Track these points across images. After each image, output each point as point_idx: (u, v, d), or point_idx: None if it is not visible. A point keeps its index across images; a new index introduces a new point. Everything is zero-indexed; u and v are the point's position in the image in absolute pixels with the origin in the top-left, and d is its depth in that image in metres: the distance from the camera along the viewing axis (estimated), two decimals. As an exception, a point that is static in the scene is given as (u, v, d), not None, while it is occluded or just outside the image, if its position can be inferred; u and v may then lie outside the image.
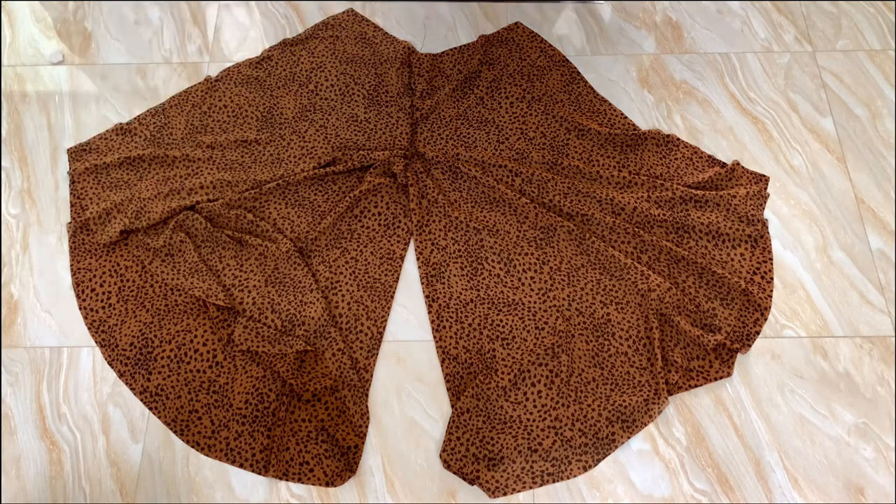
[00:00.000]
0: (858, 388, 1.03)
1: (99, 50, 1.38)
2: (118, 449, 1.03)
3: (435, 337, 1.08)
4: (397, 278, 1.13)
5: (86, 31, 1.40)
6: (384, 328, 1.10)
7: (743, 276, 1.08)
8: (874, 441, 1.00)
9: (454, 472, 0.98)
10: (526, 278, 1.11)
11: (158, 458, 1.02)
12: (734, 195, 1.14)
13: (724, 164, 1.20)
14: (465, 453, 0.99)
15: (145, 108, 1.30)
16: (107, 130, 1.26)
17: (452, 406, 1.03)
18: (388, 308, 1.11)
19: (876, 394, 1.03)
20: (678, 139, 1.22)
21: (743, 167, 1.19)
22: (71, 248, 1.16)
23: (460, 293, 1.10)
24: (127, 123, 1.27)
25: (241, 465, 1.00)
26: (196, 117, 1.27)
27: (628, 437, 1.00)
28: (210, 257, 1.13)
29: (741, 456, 1.00)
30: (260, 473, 1.00)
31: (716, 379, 1.03)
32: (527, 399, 1.02)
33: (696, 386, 1.03)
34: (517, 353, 1.05)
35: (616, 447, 1.00)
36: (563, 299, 1.09)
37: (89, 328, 1.10)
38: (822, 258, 1.13)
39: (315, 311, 1.07)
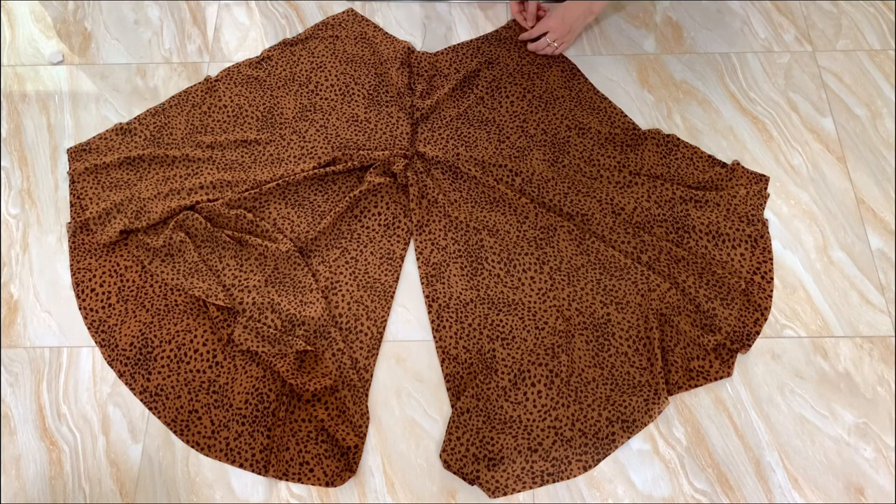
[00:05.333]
0: (858, 388, 1.03)
1: (99, 50, 1.38)
2: (118, 449, 1.03)
3: (435, 337, 1.08)
4: (397, 278, 1.13)
5: (85, 30, 1.40)
6: (384, 328, 1.10)
7: (743, 276, 1.08)
8: (874, 441, 1.00)
9: (454, 472, 0.98)
10: (526, 278, 1.11)
11: (158, 458, 1.02)
12: (734, 195, 1.14)
13: (724, 164, 1.20)
14: (465, 453, 0.99)
15: (145, 108, 1.30)
16: (107, 130, 1.26)
17: (452, 406, 1.03)
18: (388, 308, 1.11)
19: (876, 394, 1.03)
20: (678, 139, 1.22)
21: (743, 167, 1.19)
22: (71, 248, 1.16)
23: (460, 293, 1.10)
24: (127, 123, 1.27)
25: (241, 465, 1.00)
26: (196, 117, 1.27)
27: (628, 438, 1.00)
28: (210, 257, 1.13)
29: (741, 456, 1.00)
30: (260, 473, 1.00)
31: (716, 379, 1.03)
32: (527, 399, 1.02)
33: (696, 386, 1.03)
34: (517, 353, 1.05)
35: (616, 447, 1.00)
36: (563, 299, 1.09)
37: (89, 328, 1.10)
38: (822, 258, 1.13)
39: (315, 311, 1.07)
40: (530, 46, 1.31)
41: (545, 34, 1.28)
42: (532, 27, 1.32)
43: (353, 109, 1.28)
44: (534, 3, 1.31)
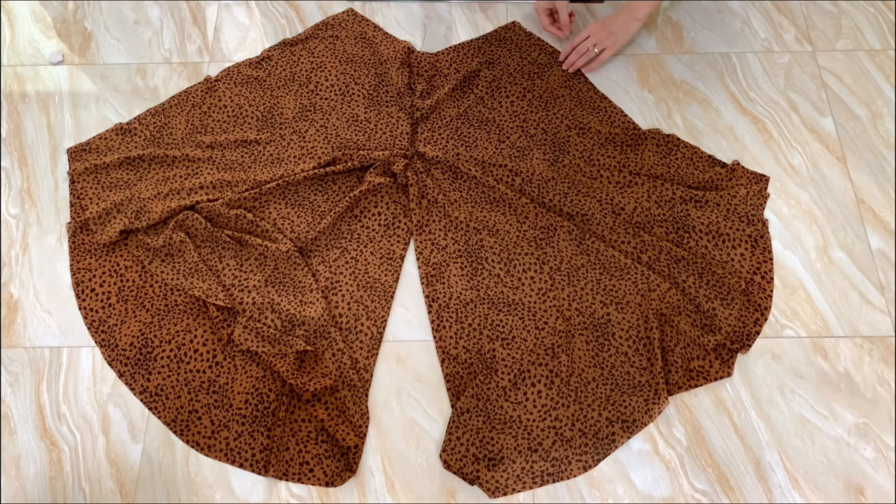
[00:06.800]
0: (858, 387, 1.03)
1: (99, 50, 1.38)
2: (118, 449, 1.03)
3: (435, 337, 1.08)
4: (397, 278, 1.13)
5: (85, 30, 1.41)
6: (384, 328, 1.10)
7: (743, 276, 1.08)
8: (874, 441, 1.00)
9: (454, 472, 0.98)
10: (526, 278, 1.11)
11: (158, 458, 1.02)
12: (734, 195, 1.14)
13: (724, 164, 1.20)
14: (465, 453, 0.99)
15: (145, 108, 1.30)
16: (107, 130, 1.26)
17: (452, 406, 1.03)
18: (388, 308, 1.11)
19: (876, 394, 1.03)
20: (678, 139, 1.22)
21: (743, 167, 1.19)
22: (71, 248, 1.16)
23: (460, 293, 1.10)
24: (127, 123, 1.27)
25: (241, 465, 1.00)
26: (196, 117, 1.27)
27: (628, 438, 1.00)
28: (210, 257, 1.13)
29: (741, 456, 1.00)
30: (260, 473, 1.00)
31: (716, 379, 1.03)
32: (527, 399, 1.02)
33: (696, 386, 1.03)
34: (517, 353, 1.05)
35: (616, 447, 1.00)
36: (563, 299, 1.09)
37: (89, 328, 1.10)
38: (823, 258, 1.13)
39: (315, 311, 1.07)
40: (573, 54, 1.27)
41: (587, 39, 1.27)
42: (567, 35, 1.31)
43: (353, 109, 1.28)
44: (565, 12, 1.29)
